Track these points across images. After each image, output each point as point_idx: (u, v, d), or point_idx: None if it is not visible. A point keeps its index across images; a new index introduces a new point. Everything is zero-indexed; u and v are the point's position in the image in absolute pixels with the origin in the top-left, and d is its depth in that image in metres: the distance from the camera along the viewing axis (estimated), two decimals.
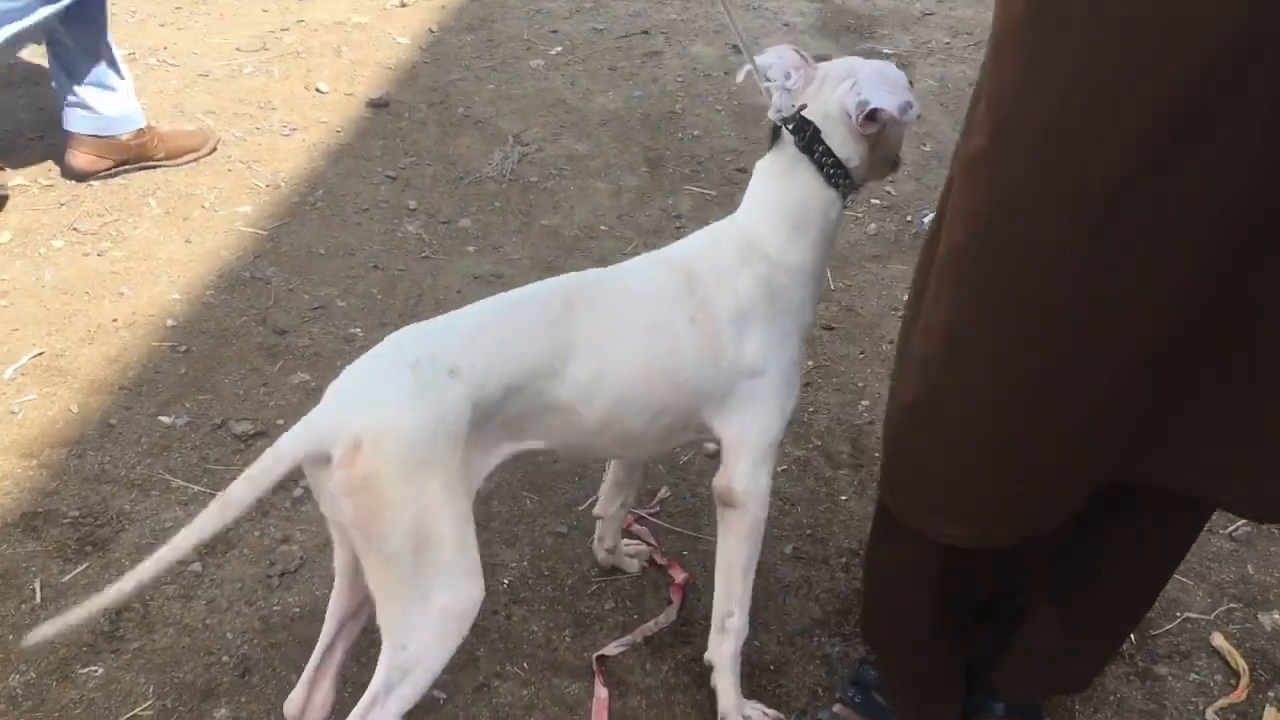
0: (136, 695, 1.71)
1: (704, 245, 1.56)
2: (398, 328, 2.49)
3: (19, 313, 2.51)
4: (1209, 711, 1.76)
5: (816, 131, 1.50)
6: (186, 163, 3.11)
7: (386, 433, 1.24)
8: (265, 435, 2.22)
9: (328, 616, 1.53)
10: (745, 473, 1.55)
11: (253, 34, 3.95)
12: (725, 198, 3.13)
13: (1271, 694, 1.79)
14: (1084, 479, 1.23)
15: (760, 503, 1.57)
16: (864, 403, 2.37)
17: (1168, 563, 1.51)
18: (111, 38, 2.94)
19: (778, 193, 1.54)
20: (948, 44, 4.16)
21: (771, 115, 1.52)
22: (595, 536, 1.96)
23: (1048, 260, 1.07)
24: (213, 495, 2.04)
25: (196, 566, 1.92)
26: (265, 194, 3.03)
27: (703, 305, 1.49)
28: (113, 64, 2.94)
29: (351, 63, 3.80)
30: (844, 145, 1.51)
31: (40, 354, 2.38)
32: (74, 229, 2.81)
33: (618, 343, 1.45)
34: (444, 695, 1.74)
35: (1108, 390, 1.13)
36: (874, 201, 3.15)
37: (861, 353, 2.54)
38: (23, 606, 1.84)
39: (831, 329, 2.64)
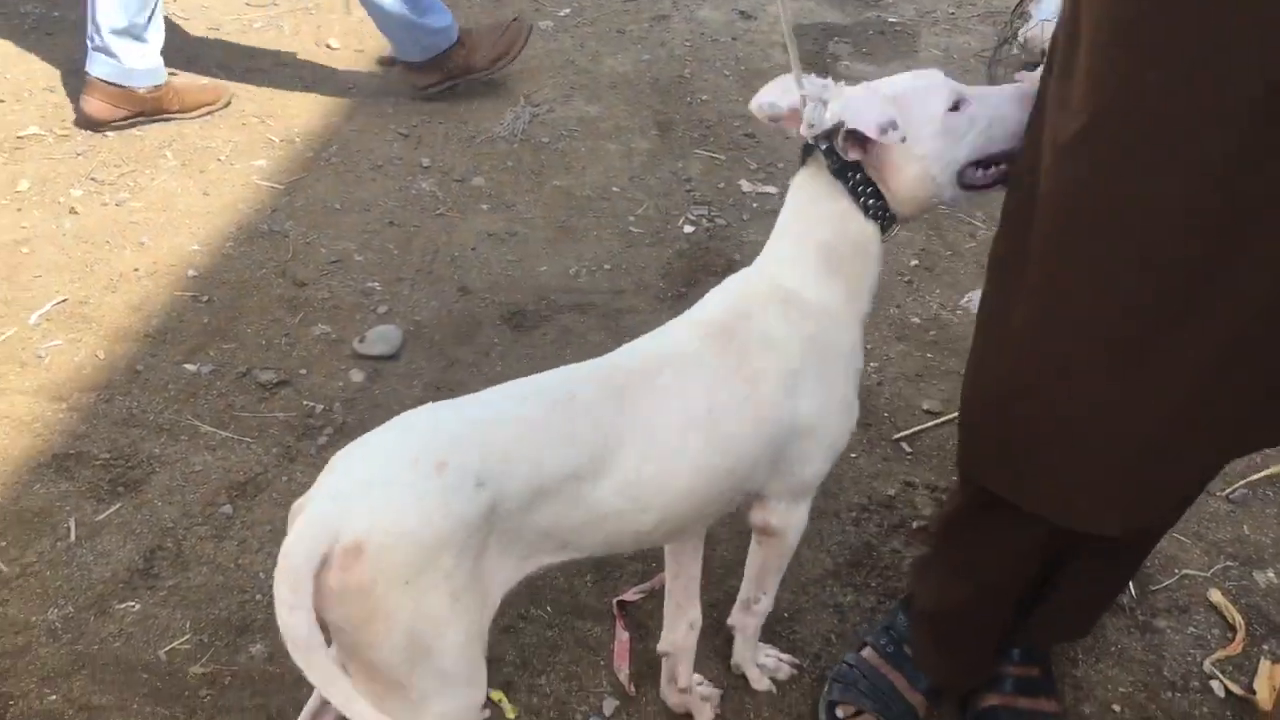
0: (174, 630, 1.76)
1: (741, 305, 1.41)
2: (414, 283, 2.59)
3: (41, 260, 2.53)
4: (1206, 663, 1.84)
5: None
6: (201, 116, 3.13)
7: (392, 540, 1.09)
8: (289, 384, 2.26)
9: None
10: (785, 510, 1.49)
11: None
12: (734, 161, 3.17)
13: (1266, 647, 1.87)
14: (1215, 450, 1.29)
15: (797, 532, 1.53)
16: (872, 364, 2.43)
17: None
18: None
19: (808, 226, 1.41)
20: (952, 14, 4.19)
21: (803, 131, 1.36)
22: (663, 677, 1.69)
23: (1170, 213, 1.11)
24: (241, 442, 2.10)
25: (227, 509, 1.97)
26: (280, 149, 3.06)
27: (753, 379, 1.35)
28: (153, 17, 2.96)
29: (361, 20, 3.78)
30: None
31: (64, 301, 2.41)
32: (92, 179, 2.83)
33: (670, 434, 1.29)
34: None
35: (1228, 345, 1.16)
36: None
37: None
38: (58, 544, 1.88)
39: None
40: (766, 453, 1.38)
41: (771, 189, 3.06)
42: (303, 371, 2.30)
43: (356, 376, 2.30)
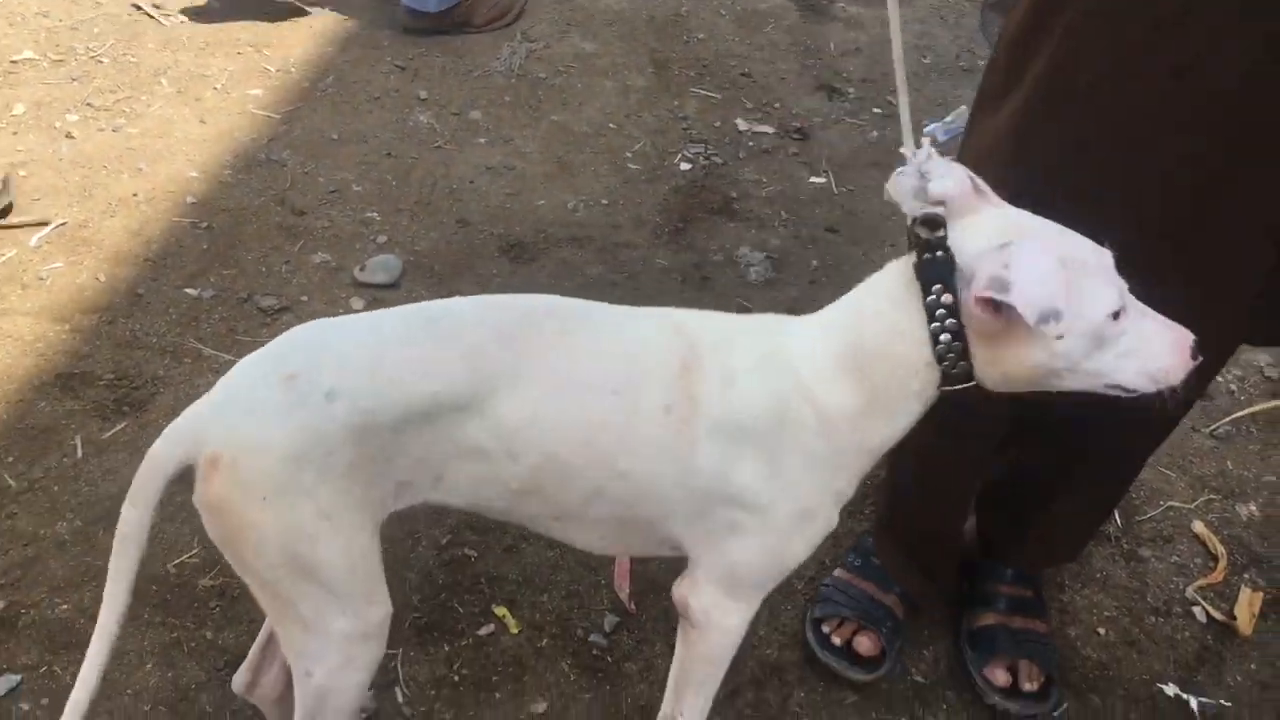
0: (182, 544, 1.79)
1: (730, 329, 1.24)
2: (413, 214, 2.60)
3: (39, 183, 2.53)
4: (1189, 590, 1.89)
5: (949, 261, 1.08)
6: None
7: (243, 452, 1.07)
8: (290, 310, 2.28)
9: None
10: (710, 600, 1.29)
11: None
12: (730, 100, 3.18)
13: (1247, 576, 1.93)
14: None
15: (723, 636, 1.32)
16: None
17: (1152, 441, 1.64)
18: None
19: (861, 313, 1.17)
20: None
21: (908, 208, 1.11)
22: None
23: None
24: None
25: None
26: (276, 79, 3.04)
27: (690, 398, 1.17)
28: None
29: None
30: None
31: (64, 224, 2.41)
32: (88, 104, 2.81)
33: (564, 393, 1.17)
34: (475, 554, 1.84)
35: None
36: (875, 110, 3.21)
37: (864, 254, 2.62)
38: (65, 460, 1.90)
39: (835, 231, 2.71)
40: (673, 489, 1.21)
41: (767, 128, 3.08)
42: (304, 298, 2.32)
43: (357, 304, 2.32)
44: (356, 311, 2.25)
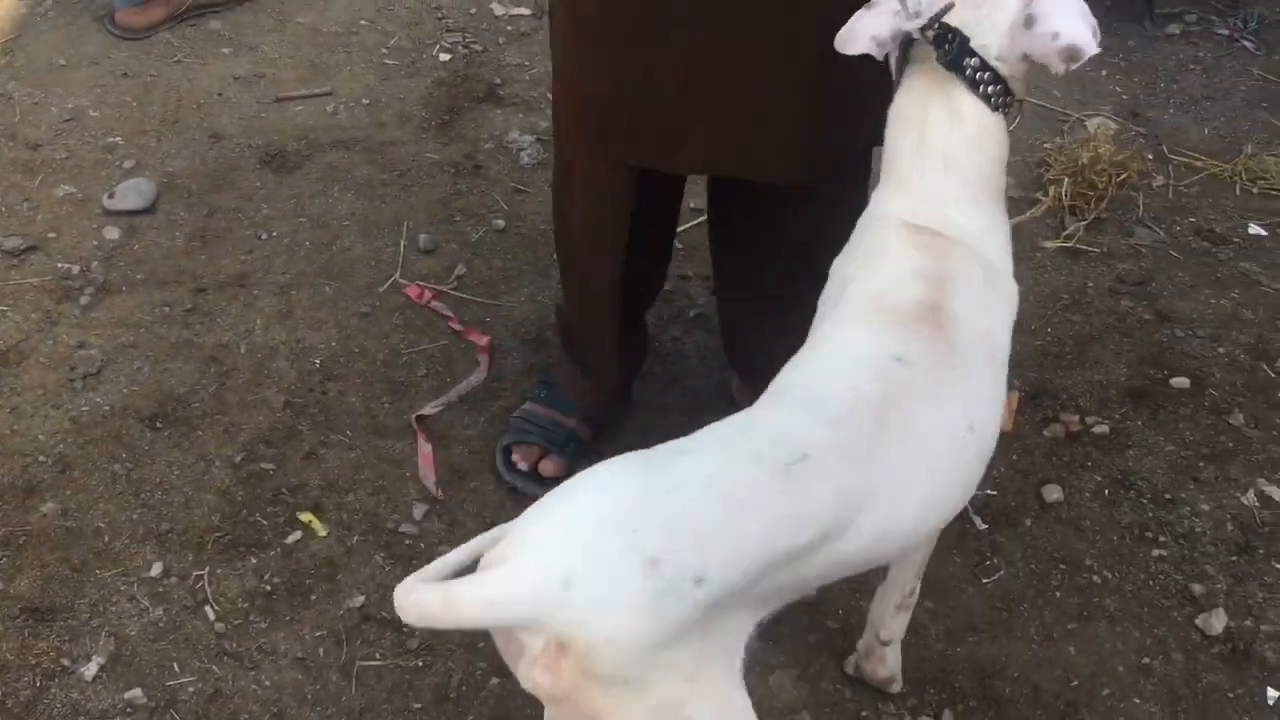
0: None
1: (928, 267, 1.17)
2: (160, 135, 2.47)
3: None
4: None
5: (965, 40, 1.17)
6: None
7: (601, 644, 0.92)
8: (38, 249, 2.15)
9: None
10: None
11: None
12: None
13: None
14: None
15: None
16: None
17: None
18: None
19: (951, 141, 1.20)
20: None
21: (908, 25, 1.18)
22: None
23: None
24: None
25: None
26: None
27: (991, 354, 1.16)
28: None
29: None
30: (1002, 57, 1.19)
31: None
32: None
33: (930, 466, 1.09)
34: (273, 467, 1.81)
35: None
36: None
37: None
38: None
39: None
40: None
41: (524, 10, 3.03)
42: (51, 235, 2.19)
43: (111, 234, 2.20)
44: (113, 240, 2.18)
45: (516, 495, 1.78)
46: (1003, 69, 1.18)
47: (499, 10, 3.03)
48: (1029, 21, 1.15)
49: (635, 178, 1.56)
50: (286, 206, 2.31)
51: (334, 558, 1.69)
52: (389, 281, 2.15)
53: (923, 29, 1.17)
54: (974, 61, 1.17)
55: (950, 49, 1.16)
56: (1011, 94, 1.20)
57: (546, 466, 1.80)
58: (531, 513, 0.98)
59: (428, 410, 1.91)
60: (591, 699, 0.94)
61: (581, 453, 1.83)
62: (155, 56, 2.70)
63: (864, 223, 1.25)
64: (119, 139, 2.44)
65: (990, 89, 1.18)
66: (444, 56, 2.82)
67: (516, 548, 0.95)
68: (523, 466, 1.81)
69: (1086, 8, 1.16)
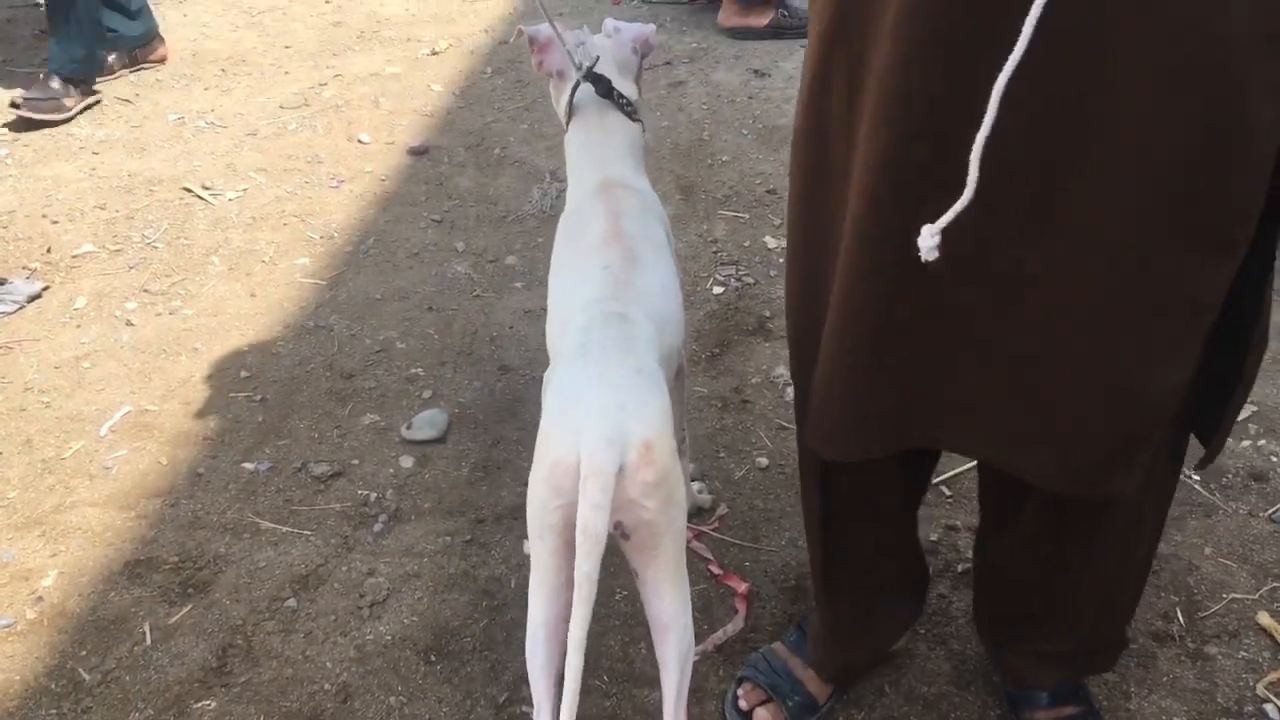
0: None
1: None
2: (456, 366, 2.68)
3: (102, 373, 2.66)
4: (1259, 687, 1.85)
5: (608, 81, 1.87)
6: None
7: (660, 435, 1.36)
8: (343, 475, 2.35)
9: (544, 667, 1.51)
10: None
11: (294, 91, 4.11)
12: (757, 218, 3.25)
13: None
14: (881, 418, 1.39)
15: None
16: None
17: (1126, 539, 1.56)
18: None
19: (601, 149, 1.87)
20: None
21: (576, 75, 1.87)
22: None
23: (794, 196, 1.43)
24: (300, 535, 2.19)
25: (292, 602, 2.05)
26: (320, 245, 3.18)
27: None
28: None
29: (390, 112, 3.95)
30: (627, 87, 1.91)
31: (128, 411, 2.53)
32: (145, 290, 2.97)
33: (652, 289, 1.67)
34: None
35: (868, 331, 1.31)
36: None
37: None
38: (135, 649, 1.97)
39: None
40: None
41: None
42: (355, 461, 2.40)
43: (406, 462, 2.39)
44: (407, 469, 2.36)
45: None
46: (628, 91, 1.90)
47: (772, 243, 3.14)
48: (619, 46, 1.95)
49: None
50: None
51: None
52: None
53: (583, 77, 1.87)
54: (615, 93, 1.87)
55: (600, 86, 1.85)
56: (634, 107, 1.90)
57: (760, 715, 1.78)
58: (550, 425, 1.41)
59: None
60: (674, 473, 1.38)
61: (806, 710, 1.80)
62: (457, 291, 2.96)
63: (569, 203, 1.86)
64: (420, 370, 2.67)
65: (628, 106, 1.89)
66: (717, 289, 2.94)
67: (574, 430, 1.35)
68: (743, 705, 1.81)
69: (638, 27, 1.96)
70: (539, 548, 1.44)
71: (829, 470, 1.59)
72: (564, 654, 1.51)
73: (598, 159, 1.85)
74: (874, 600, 1.79)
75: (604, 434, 1.33)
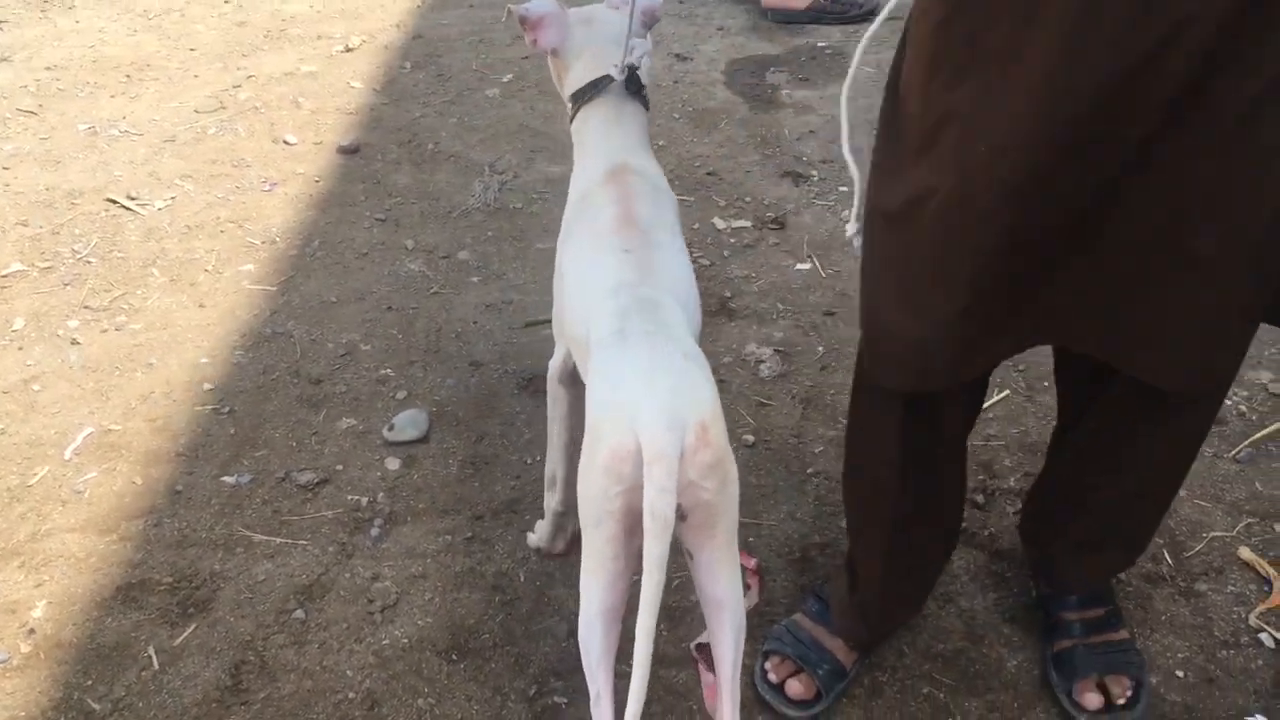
0: None
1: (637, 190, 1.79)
2: (426, 365, 2.65)
3: (55, 395, 2.55)
4: (1251, 618, 1.95)
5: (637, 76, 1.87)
6: None
7: (714, 416, 1.38)
8: (329, 482, 2.30)
9: (602, 657, 1.52)
10: None
11: (206, 95, 3.99)
12: (703, 201, 3.28)
13: None
14: (983, 330, 1.44)
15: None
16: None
17: (1171, 451, 1.66)
18: None
19: (627, 129, 1.88)
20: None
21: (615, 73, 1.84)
22: None
23: None
24: (295, 545, 2.14)
25: (300, 613, 2.01)
26: (263, 250, 3.10)
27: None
28: None
29: (312, 112, 3.86)
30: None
31: (91, 432, 2.43)
32: (86, 307, 2.85)
33: (671, 271, 1.70)
34: (564, 700, 1.86)
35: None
36: (841, 189, 3.32)
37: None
38: (144, 674, 1.90)
39: (833, 314, 2.80)
40: None
41: (745, 222, 3.17)
42: (339, 467, 2.35)
43: (392, 464, 2.35)
44: (395, 471, 2.32)
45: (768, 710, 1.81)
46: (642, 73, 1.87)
47: (720, 224, 3.18)
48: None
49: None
50: (545, 430, 2.42)
51: None
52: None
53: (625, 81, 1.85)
54: (635, 85, 1.86)
55: (634, 85, 1.85)
56: (645, 97, 1.90)
57: (793, 687, 1.82)
58: (603, 412, 1.41)
59: (705, 639, 1.94)
60: (728, 454, 1.40)
61: (836, 677, 1.84)
62: (414, 289, 2.92)
63: (576, 188, 1.88)
64: (390, 370, 2.62)
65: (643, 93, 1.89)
66: None
67: (629, 416, 1.35)
68: (773, 678, 1.85)
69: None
70: (595, 536, 1.44)
71: (912, 411, 1.60)
72: (615, 644, 1.53)
73: (611, 144, 1.84)
74: (928, 568, 1.87)
75: (663, 419, 1.34)
